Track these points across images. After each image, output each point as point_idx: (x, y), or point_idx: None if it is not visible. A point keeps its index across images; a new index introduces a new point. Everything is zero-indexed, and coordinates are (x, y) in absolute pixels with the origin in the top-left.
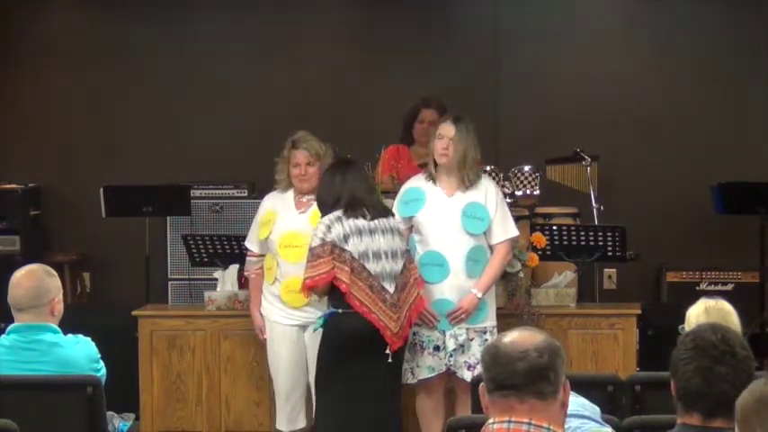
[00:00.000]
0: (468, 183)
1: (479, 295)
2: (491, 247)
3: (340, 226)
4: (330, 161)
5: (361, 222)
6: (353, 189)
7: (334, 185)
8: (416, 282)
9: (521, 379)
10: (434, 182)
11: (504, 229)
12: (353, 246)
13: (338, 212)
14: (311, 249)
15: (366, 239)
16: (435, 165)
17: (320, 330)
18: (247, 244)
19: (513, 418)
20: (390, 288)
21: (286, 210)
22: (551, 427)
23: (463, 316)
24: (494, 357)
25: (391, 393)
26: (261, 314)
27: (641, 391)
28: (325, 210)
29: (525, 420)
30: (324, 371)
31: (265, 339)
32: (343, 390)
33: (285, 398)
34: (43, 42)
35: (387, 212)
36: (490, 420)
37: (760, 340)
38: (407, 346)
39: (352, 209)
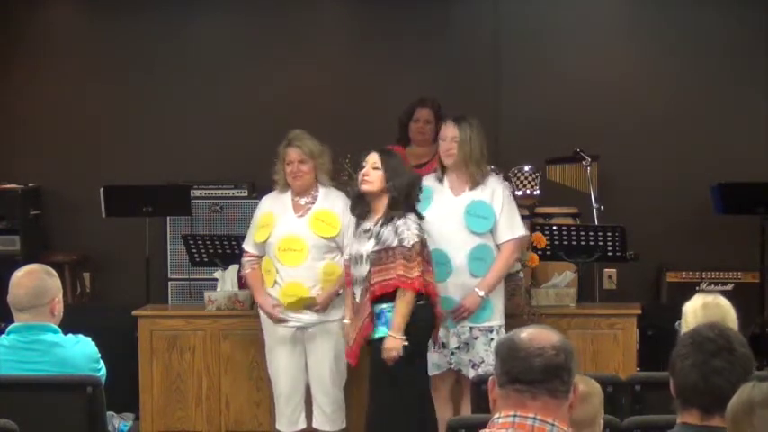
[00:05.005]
0: (475, 180)
1: (482, 294)
2: (499, 247)
3: (420, 225)
4: (327, 161)
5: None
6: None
7: (407, 173)
8: None
9: (537, 375)
10: (442, 182)
11: (511, 228)
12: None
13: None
14: (413, 247)
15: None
16: (443, 167)
17: (331, 332)
18: (245, 246)
19: (519, 413)
20: None
21: (284, 213)
22: (556, 423)
23: (465, 314)
24: (510, 351)
25: None
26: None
27: (641, 391)
28: (400, 196)
29: (530, 415)
30: (408, 361)
31: (278, 320)
32: (424, 375)
33: (286, 400)
34: (43, 42)
35: None
36: (496, 415)
37: (760, 340)
38: None
39: (415, 209)
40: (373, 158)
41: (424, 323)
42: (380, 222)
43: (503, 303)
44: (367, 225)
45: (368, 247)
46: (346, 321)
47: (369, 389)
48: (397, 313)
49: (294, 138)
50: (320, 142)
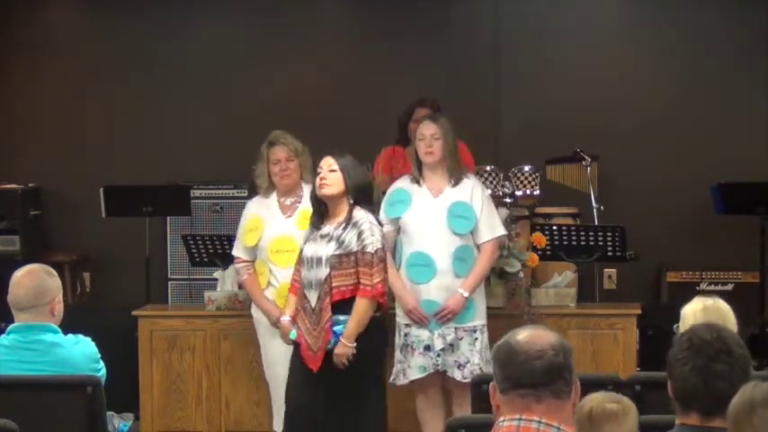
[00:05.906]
0: (455, 178)
1: (466, 294)
2: (478, 247)
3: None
4: (309, 160)
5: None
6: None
7: (361, 171)
8: None
9: (539, 378)
10: (419, 184)
11: (491, 228)
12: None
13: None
14: (376, 253)
15: None
16: (420, 169)
17: None
18: (235, 252)
19: (523, 416)
20: None
21: (272, 215)
22: (561, 427)
23: (450, 315)
24: (509, 356)
25: None
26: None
27: (641, 391)
28: (360, 196)
29: (535, 418)
30: (371, 372)
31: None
32: (383, 391)
33: (283, 400)
34: (43, 42)
35: None
36: (501, 419)
37: (759, 340)
38: (399, 346)
39: (375, 212)
40: (328, 162)
41: (380, 333)
42: (342, 226)
43: (485, 303)
44: (325, 230)
45: (328, 249)
46: (286, 319)
47: (324, 398)
48: (352, 320)
49: (277, 137)
50: (301, 142)
